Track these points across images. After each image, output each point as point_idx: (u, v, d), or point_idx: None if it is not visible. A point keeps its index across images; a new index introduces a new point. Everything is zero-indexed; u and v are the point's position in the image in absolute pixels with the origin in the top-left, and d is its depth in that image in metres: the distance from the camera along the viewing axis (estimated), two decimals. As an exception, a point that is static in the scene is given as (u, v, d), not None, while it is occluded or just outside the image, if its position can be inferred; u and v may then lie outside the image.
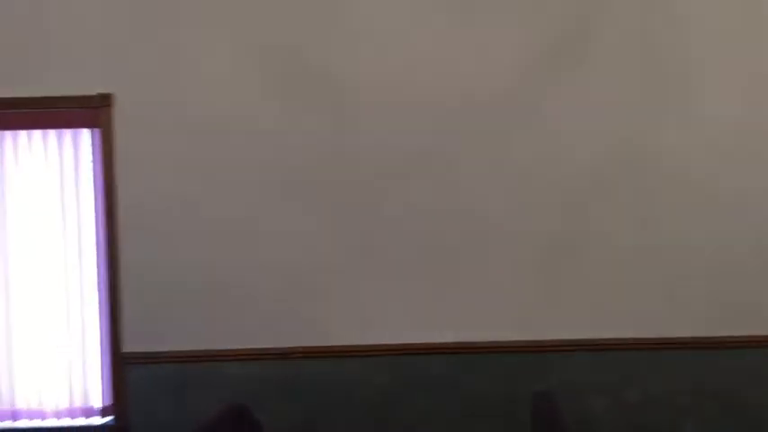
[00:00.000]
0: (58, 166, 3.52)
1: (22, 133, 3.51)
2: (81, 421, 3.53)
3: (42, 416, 3.55)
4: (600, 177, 3.44)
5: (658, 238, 3.44)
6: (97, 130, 3.49)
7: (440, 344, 3.42)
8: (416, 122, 3.44)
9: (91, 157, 3.53)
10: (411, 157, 3.44)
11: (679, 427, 3.41)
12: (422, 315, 3.44)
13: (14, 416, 3.55)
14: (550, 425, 2.72)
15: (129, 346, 3.47)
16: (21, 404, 3.55)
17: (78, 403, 3.55)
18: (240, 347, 3.44)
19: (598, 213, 3.44)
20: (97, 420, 3.53)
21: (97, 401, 3.56)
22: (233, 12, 3.45)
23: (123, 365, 3.47)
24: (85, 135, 3.53)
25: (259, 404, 3.21)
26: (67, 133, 3.52)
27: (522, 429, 3.35)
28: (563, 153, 3.44)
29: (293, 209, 3.46)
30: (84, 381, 3.55)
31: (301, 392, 3.45)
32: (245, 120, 3.45)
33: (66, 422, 3.53)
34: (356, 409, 3.45)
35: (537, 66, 3.43)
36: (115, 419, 3.50)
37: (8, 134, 3.51)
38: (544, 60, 3.43)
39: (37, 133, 3.52)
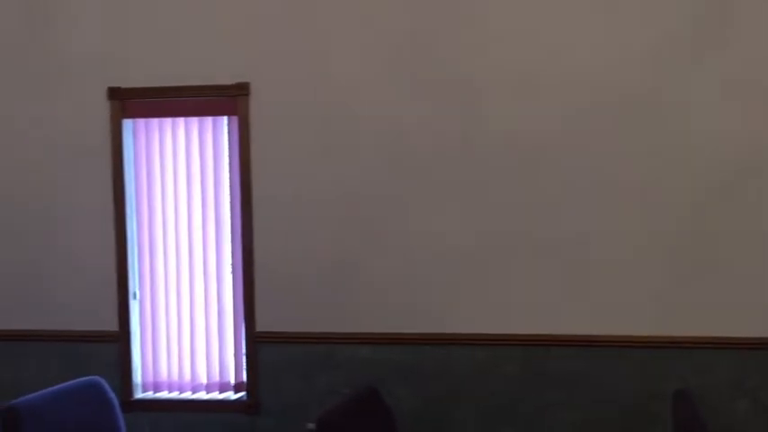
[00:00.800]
0: (199, 151, 3.69)
1: (168, 120, 3.70)
2: (216, 395, 3.71)
3: (181, 388, 3.76)
4: (740, 173, 3.25)
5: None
6: (234, 118, 3.63)
7: (572, 335, 3.36)
8: (547, 115, 3.36)
9: (228, 143, 3.68)
10: (543, 149, 3.37)
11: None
12: (554, 306, 3.38)
13: (156, 387, 3.78)
14: (690, 426, 2.62)
15: (262, 326, 3.61)
16: (162, 376, 3.78)
17: (215, 378, 3.73)
18: (370, 331, 3.50)
19: (737, 209, 3.26)
20: (231, 395, 3.70)
21: (232, 378, 3.72)
22: (366, 4, 3.48)
23: (256, 344, 3.62)
24: (224, 122, 3.67)
25: (387, 389, 3.25)
26: (208, 120, 3.68)
27: (654, 427, 3.25)
28: (703, 146, 3.26)
29: (423, 198, 3.47)
30: (220, 357, 3.72)
31: (429, 379, 3.48)
32: (375, 111, 3.48)
33: (202, 395, 3.72)
34: (484, 398, 3.44)
35: (673, 55, 3.26)
36: (247, 396, 3.65)
37: (155, 122, 3.71)
38: (681, 49, 3.26)
39: (181, 121, 3.70)
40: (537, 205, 3.39)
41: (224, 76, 3.59)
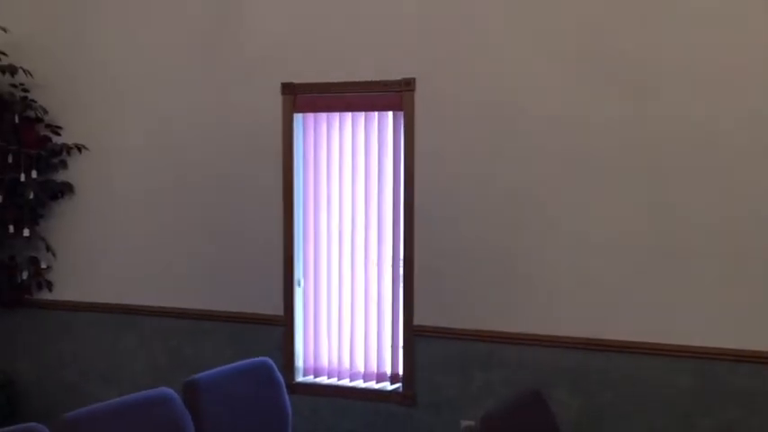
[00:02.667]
0: (365, 145, 3.77)
1: (336, 115, 3.81)
2: (372, 385, 3.79)
3: (339, 375, 3.88)
4: None
5: None
6: (399, 113, 3.68)
7: (749, 351, 3.12)
8: (735, 117, 3.12)
9: (392, 138, 3.73)
10: (719, 146, 3.15)
11: None
12: (731, 319, 3.16)
13: (316, 372, 3.92)
14: None
15: (419, 320, 3.64)
16: (322, 362, 3.91)
17: (372, 368, 3.81)
18: (530, 332, 3.44)
19: None
20: (387, 386, 3.77)
21: (389, 368, 3.78)
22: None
23: (413, 337, 3.65)
24: (390, 117, 3.72)
25: (547, 392, 3.16)
26: (374, 115, 3.75)
27: None
28: None
29: (591, 196, 3.35)
30: (378, 348, 3.80)
31: (596, 386, 3.36)
32: (538, 106, 3.40)
33: (360, 384, 3.81)
34: (655, 411, 3.28)
35: None
36: (403, 387, 3.70)
37: (323, 116, 3.83)
38: None
39: (348, 115, 3.80)
40: (712, 210, 3.17)
41: (390, 72, 3.64)
